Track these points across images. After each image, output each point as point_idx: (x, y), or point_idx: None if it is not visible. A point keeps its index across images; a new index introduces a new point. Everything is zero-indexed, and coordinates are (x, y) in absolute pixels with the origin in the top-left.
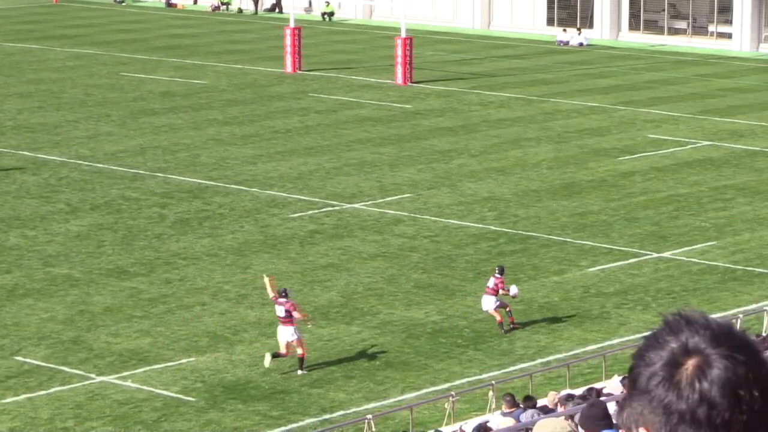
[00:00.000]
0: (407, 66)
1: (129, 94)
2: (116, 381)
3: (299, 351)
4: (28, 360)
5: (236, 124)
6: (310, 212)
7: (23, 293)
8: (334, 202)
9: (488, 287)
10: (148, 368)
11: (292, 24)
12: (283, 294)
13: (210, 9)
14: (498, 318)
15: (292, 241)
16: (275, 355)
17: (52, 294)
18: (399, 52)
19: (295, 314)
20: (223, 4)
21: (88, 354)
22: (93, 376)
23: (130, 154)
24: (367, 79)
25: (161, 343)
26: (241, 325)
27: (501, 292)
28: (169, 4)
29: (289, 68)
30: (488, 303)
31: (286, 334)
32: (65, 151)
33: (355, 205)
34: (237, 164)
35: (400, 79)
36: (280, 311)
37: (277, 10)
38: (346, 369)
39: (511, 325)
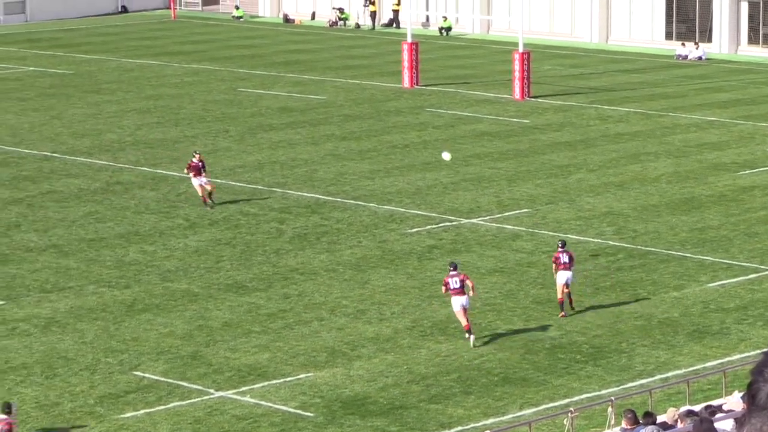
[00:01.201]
0: (525, 80)
1: (247, 109)
2: (235, 396)
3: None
4: (147, 375)
5: (354, 139)
6: (428, 227)
7: (142, 308)
8: (452, 217)
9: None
10: (266, 383)
11: (409, 39)
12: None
13: (327, 24)
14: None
15: (410, 256)
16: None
17: (170, 309)
18: (517, 66)
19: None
20: (340, 19)
21: (206, 369)
22: (212, 391)
23: (248, 169)
24: (485, 93)
25: (279, 359)
26: (359, 340)
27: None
28: (287, 20)
29: (406, 83)
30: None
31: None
32: (183, 166)
33: (473, 220)
34: (355, 179)
35: (517, 94)
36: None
37: (394, 25)
38: (464, 384)
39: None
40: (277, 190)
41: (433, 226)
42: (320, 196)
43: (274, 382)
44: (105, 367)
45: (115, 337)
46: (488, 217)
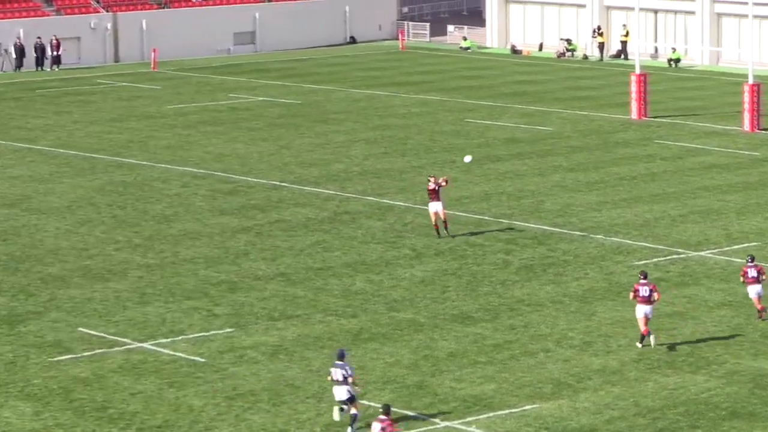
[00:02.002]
0: (755, 113)
1: (474, 140)
2: (460, 426)
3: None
4: (372, 404)
5: (581, 170)
6: (655, 260)
7: (368, 337)
8: (680, 250)
9: None
10: (491, 414)
11: (637, 70)
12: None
13: (555, 55)
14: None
15: None
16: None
17: (396, 338)
18: (746, 98)
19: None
20: (568, 50)
21: (432, 399)
22: (438, 421)
23: (474, 200)
24: (714, 125)
25: (505, 389)
26: (585, 372)
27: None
28: (515, 51)
29: (634, 115)
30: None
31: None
32: (410, 196)
33: (701, 253)
34: (582, 211)
35: (747, 126)
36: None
37: (622, 56)
38: (691, 418)
39: None
40: (504, 220)
41: (661, 259)
42: (547, 228)
43: (500, 413)
44: (331, 396)
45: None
46: (716, 250)
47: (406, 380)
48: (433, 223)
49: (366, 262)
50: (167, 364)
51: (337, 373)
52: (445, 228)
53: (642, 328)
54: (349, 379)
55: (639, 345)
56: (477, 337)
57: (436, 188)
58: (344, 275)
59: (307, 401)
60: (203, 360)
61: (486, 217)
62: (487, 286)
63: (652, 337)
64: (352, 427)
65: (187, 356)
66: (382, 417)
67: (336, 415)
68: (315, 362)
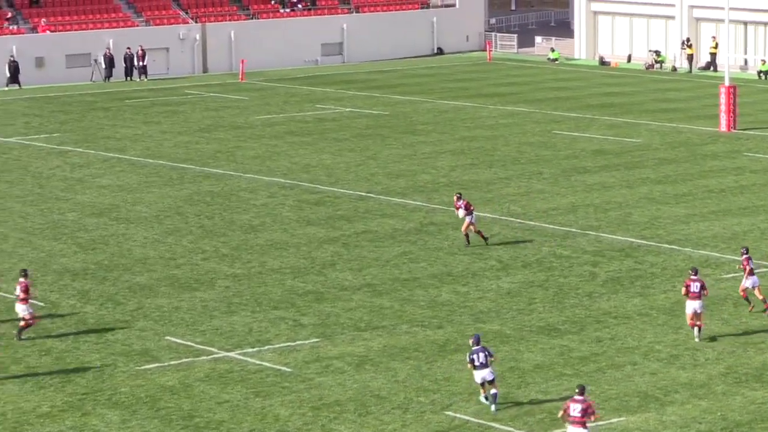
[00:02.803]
0: None
1: (561, 152)
2: None
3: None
4: (458, 415)
5: (669, 182)
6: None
7: (454, 348)
8: None
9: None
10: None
11: (727, 82)
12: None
13: (644, 67)
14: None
15: (725, 302)
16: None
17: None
18: None
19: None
20: (657, 62)
21: (518, 411)
22: None
23: (561, 212)
24: None
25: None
26: (673, 385)
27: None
28: (603, 62)
29: (723, 127)
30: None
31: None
32: (497, 208)
33: None
34: (669, 223)
35: None
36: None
37: (711, 68)
38: None
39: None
40: (591, 233)
41: None
42: (634, 240)
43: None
44: (417, 407)
45: (427, 377)
46: None
47: (492, 392)
48: (464, 231)
49: (452, 273)
50: (254, 373)
51: (480, 357)
52: (481, 235)
53: (689, 321)
54: (491, 359)
55: (697, 339)
56: (563, 350)
57: (467, 204)
58: (430, 286)
59: (393, 412)
60: (289, 370)
61: (573, 229)
62: (573, 299)
63: (696, 330)
64: (495, 405)
65: (273, 366)
66: (579, 397)
67: (483, 398)
68: (401, 373)
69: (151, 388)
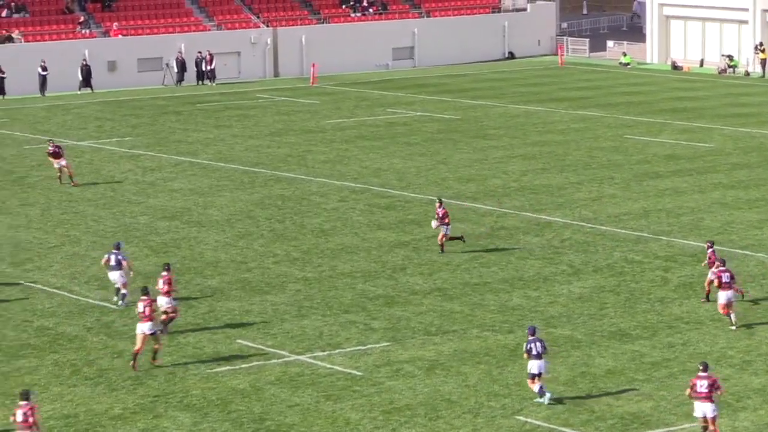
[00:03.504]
0: None
1: (633, 156)
2: None
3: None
4: (529, 420)
5: (742, 188)
6: None
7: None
8: None
9: None
10: None
11: None
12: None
13: (717, 71)
14: None
15: None
16: None
17: (553, 355)
18: None
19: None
20: (729, 66)
21: (589, 416)
22: None
23: (633, 216)
24: None
25: (663, 408)
26: (745, 391)
27: None
28: (675, 67)
29: None
30: None
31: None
32: (568, 213)
33: None
34: (742, 228)
35: None
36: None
37: None
38: None
39: None
40: (663, 238)
41: None
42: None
43: (657, 431)
44: (488, 411)
45: (498, 382)
46: None
47: (562, 397)
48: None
49: (523, 278)
50: (324, 377)
51: (538, 346)
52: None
53: (722, 310)
54: (545, 352)
55: (733, 327)
56: (635, 355)
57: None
58: (501, 291)
59: (464, 416)
60: (360, 373)
61: (645, 234)
62: (645, 304)
63: (732, 316)
64: (547, 397)
65: (344, 369)
66: (704, 374)
67: (537, 390)
68: (471, 377)
69: (222, 391)
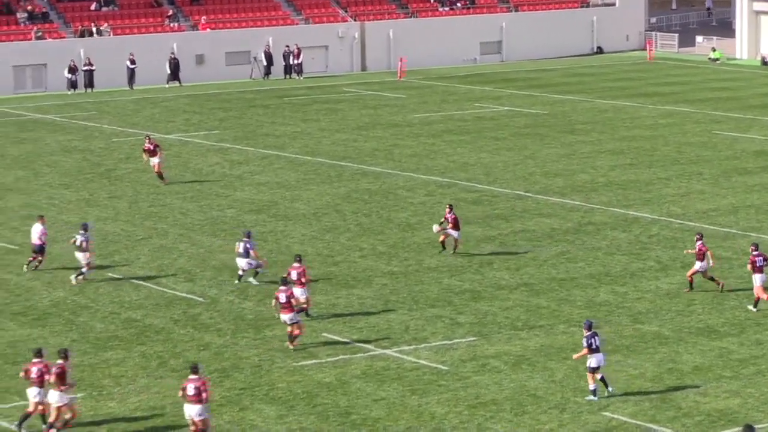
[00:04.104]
0: None
1: (722, 152)
2: None
3: None
4: (615, 416)
5: None
6: None
7: (612, 349)
8: None
9: None
10: (735, 430)
11: None
12: None
13: None
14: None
15: None
16: None
17: (640, 351)
18: None
19: None
20: None
21: (676, 412)
22: None
23: (721, 213)
24: None
25: (751, 405)
26: None
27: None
28: (765, 63)
29: None
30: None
31: None
32: (656, 208)
33: None
34: None
35: None
36: None
37: None
38: None
39: None
40: (752, 234)
41: None
42: None
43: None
44: (574, 407)
45: (584, 378)
46: None
47: (649, 393)
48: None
49: (610, 273)
50: (410, 371)
51: (597, 340)
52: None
53: (756, 294)
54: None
55: (753, 308)
56: (722, 351)
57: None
58: (588, 286)
59: (550, 412)
60: (446, 368)
61: (733, 230)
62: (733, 300)
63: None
64: (609, 389)
65: (429, 364)
66: None
67: (592, 389)
68: (558, 373)
69: (308, 384)
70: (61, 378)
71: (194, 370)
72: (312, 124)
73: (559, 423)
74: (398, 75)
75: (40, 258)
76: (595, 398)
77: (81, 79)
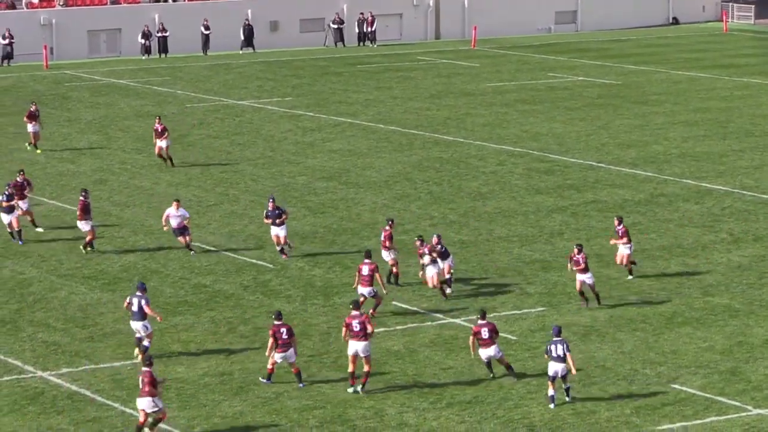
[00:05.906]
0: None
1: None
2: None
3: None
4: (684, 388)
5: None
6: None
7: (682, 321)
8: None
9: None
10: None
11: None
12: None
13: None
14: None
15: None
16: None
17: (711, 323)
18: None
19: None
20: None
21: (745, 386)
22: (750, 408)
23: None
24: None
25: None
26: None
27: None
28: None
29: None
30: None
31: None
32: (729, 180)
33: None
34: None
35: None
36: None
37: None
38: None
39: None
40: None
41: None
42: None
43: None
44: (642, 378)
45: (653, 349)
46: None
47: (719, 366)
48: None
49: (682, 245)
50: None
51: (558, 348)
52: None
53: None
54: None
55: None
56: None
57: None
58: (659, 258)
59: (618, 383)
60: (515, 338)
61: None
62: None
63: None
64: (569, 396)
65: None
66: None
67: (551, 393)
68: (627, 344)
69: (376, 352)
70: (153, 385)
71: (355, 305)
72: (385, 92)
73: (629, 393)
74: (472, 44)
75: (188, 237)
76: (552, 405)
77: (155, 44)
